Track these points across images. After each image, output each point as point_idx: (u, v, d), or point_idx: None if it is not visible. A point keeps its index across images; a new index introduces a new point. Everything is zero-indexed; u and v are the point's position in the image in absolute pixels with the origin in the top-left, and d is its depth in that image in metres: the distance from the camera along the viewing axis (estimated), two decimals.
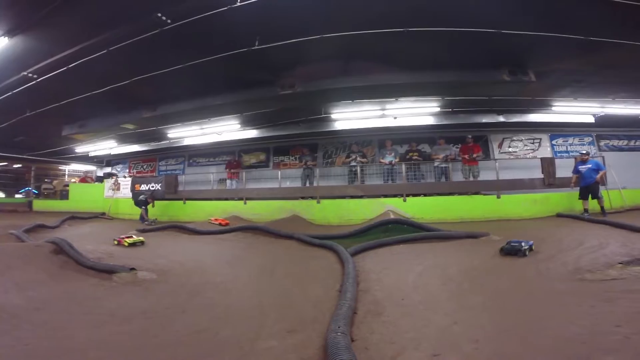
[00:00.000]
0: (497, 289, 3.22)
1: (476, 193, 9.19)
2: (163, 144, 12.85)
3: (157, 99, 8.88)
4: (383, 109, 8.79)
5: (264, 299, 3.21)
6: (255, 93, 7.97)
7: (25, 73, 6.75)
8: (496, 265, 4.06)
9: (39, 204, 14.11)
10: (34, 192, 15.90)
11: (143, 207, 10.12)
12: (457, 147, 10.54)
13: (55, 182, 16.63)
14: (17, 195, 16.96)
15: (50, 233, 7.82)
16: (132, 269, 4.06)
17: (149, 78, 6.92)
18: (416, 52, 6.24)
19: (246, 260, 5.28)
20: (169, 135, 11.56)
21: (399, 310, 2.73)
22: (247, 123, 10.48)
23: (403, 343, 2.13)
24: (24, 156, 14.88)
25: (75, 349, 2.14)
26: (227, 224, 8.42)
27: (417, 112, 9.15)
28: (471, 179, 9.40)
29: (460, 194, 9.21)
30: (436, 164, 9.82)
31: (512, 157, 11.26)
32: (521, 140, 11.49)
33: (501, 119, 10.15)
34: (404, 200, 9.01)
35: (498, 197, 8.82)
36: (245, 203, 10.50)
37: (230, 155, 13.32)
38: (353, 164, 10.35)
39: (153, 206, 10.64)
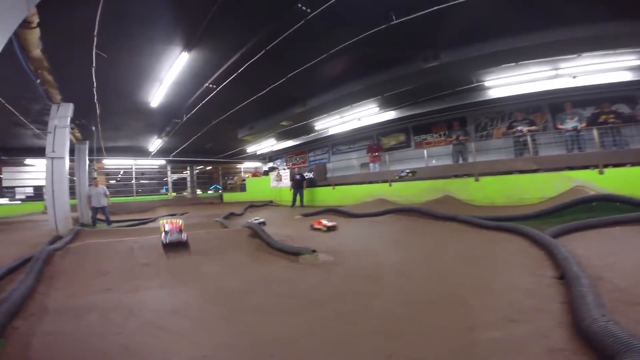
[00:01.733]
0: None
1: None
2: (311, 136, 14.08)
3: (305, 95, 9.71)
4: (556, 69, 7.34)
5: (453, 285, 2.90)
6: (396, 72, 7.62)
7: (207, 84, 8.00)
8: None
9: (227, 196, 17.93)
10: (218, 188, 20.33)
11: (298, 191, 11.27)
12: None
13: (235, 178, 20.87)
14: (208, 192, 21.97)
15: (238, 219, 9.50)
16: (314, 250, 4.29)
17: (297, 75, 7.45)
18: None
19: (410, 243, 5.01)
20: (316, 128, 12.55)
21: None
22: (385, 105, 10.22)
23: None
24: (213, 159, 19.28)
25: (289, 337, 2.18)
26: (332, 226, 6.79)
27: (607, 68, 7.38)
28: None
29: None
30: None
31: None
32: None
33: None
34: (600, 173, 6.72)
35: None
36: (390, 185, 10.25)
37: (369, 140, 13.45)
38: (520, 133, 8.61)
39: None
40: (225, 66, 7.01)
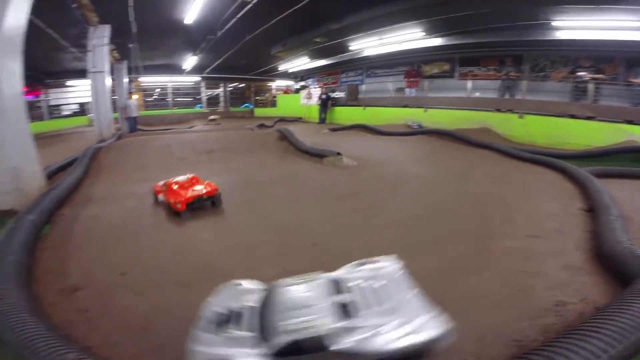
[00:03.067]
0: None
1: None
2: (345, 56, 13.33)
3: (341, 10, 8.94)
4: None
5: (476, 200, 3.01)
6: None
7: None
8: None
9: (258, 111, 18.46)
10: (249, 106, 20.67)
11: (324, 109, 11.55)
12: None
13: (266, 94, 20.94)
14: (242, 107, 22.43)
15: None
16: (339, 153, 4.55)
17: None
18: None
19: (439, 162, 5.05)
20: (350, 48, 11.85)
21: None
22: (431, 30, 9.34)
23: None
24: (246, 76, 19.06)
25: (311, 221, 2.44)
26: None
27: None
28: None
29: None
30: None
31: None
32: None
33: None
34: None
35: None
36: (425, 111, 10.02)
37: (409, 66, 12.75)
38: (583, 79, 7.77)
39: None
40: None
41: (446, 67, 11.87)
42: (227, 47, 11.56)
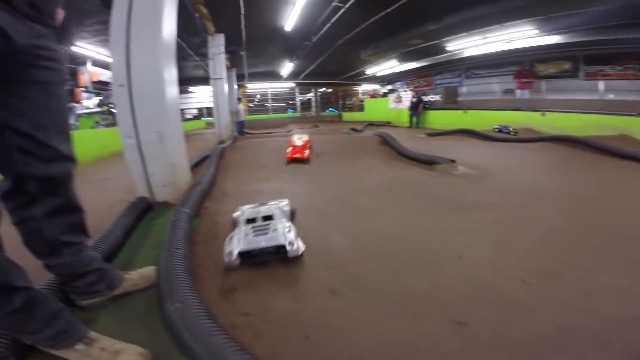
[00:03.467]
0: None
1: None
2: (441, 57, 12.51)
3: (441, 10, 8.38)
4: None
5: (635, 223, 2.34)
6: None
7: (335, 3, 7.64)
8: None
9: (346, 116, 18.59)
10: (334, 111, 20.97)
11: (414, 113, 11.13)
12: None
13: (353, 99, 21.03)
14: (327, 112, 22.91)
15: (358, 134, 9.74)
16: (453, 160, 4.03)
17: None
18: None
19: (576, 175, 4.14)
20: (448, 48, 11.12)
21: None
22: (547, 27, 8.28)
23: None
24: (334, 81, 19.49)
25: (446, 230, 2.14)
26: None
27: None
28: None
29: None
30: None
31: None
32: None
33: None
34: None
35: None
36: (543, 115, 8.67)
37: (519, 65, 11.45)
38: None
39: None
40: None
41: (566, 65, 10.32)
42: (320, 52, 11.96)
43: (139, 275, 1.40)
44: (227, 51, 9.37)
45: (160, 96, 2.43)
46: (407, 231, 2.16)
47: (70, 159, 1.13)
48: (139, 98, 2.38)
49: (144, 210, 2.35)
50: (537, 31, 8.56)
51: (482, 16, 7.71)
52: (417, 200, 2.89)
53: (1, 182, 1.05)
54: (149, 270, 1.44)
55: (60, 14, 1.09)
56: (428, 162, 4.21)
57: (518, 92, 10.67)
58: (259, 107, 19.68)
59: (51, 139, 1.04)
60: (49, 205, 1.09)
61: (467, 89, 12.23)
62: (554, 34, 8.73)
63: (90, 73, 9.66)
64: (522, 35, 8.99)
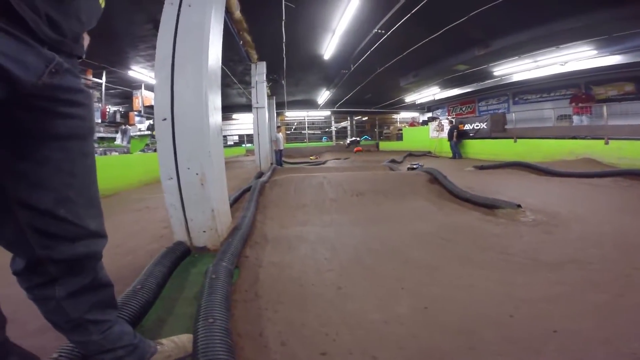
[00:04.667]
0: None
1: None
2: (486, 83, 12.01)
3: (489, 35, 8.10)
4: None
5: None
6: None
7: (375, 30, 7.54)
8: None
9: (382, 145, 18.10)
10: (367, 138, 20.62)
11: (452, 142, 10.82)
12: None
13: (391, 127, 20.64)
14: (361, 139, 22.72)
15: (399, 166, 9.20)
16: (519, 205, 3.56)
17: (482, 12, 6.16)
18: None
19: None
20: (495, 74, 10.72)
21: None
22: (606, 47, 7.79)
23: None
24: (371, 110, 19.41)
25: (532, 298, 1.76)
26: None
27: None
28: None
29: None
30: None
31: None
32: None
33: None
34: None
35: None
36: (606, 143, 7.71)
37: (574, 89, 10.74)
38: None
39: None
40: (395, 8, 6.43)
41: (629, 87, 9.43)
42: (358, 80, 11.99)
43: (173, 345, 1.18)
44: (269, 79, 9.61)
45: (204, 132, 2.23)
46: (479, 297, 1.74)
47: (100, 235, 0.88)
48: (182, 134, 2.21)
49: (181, 257, 2.18)
50: (595, 52, 7.94)
51: (534, 38, 7.29)
52: (483, 256, 2.45)
53: (13, 259, 0.83)
54: (183, 340, 1.21)
55: (86, 40, 0.87)
56: (488, 206, 3.72)
57: (575, 118, 9.59)
58: (296, 135, 20.06)
59: (77, 216, 0.80)
60: (71, 286, 0.85)
61: (516, 115, 11.39)
62: (615, 54, 7.99)
63: (143, 97, 10.20)
64: (578, 57, 8.43)
